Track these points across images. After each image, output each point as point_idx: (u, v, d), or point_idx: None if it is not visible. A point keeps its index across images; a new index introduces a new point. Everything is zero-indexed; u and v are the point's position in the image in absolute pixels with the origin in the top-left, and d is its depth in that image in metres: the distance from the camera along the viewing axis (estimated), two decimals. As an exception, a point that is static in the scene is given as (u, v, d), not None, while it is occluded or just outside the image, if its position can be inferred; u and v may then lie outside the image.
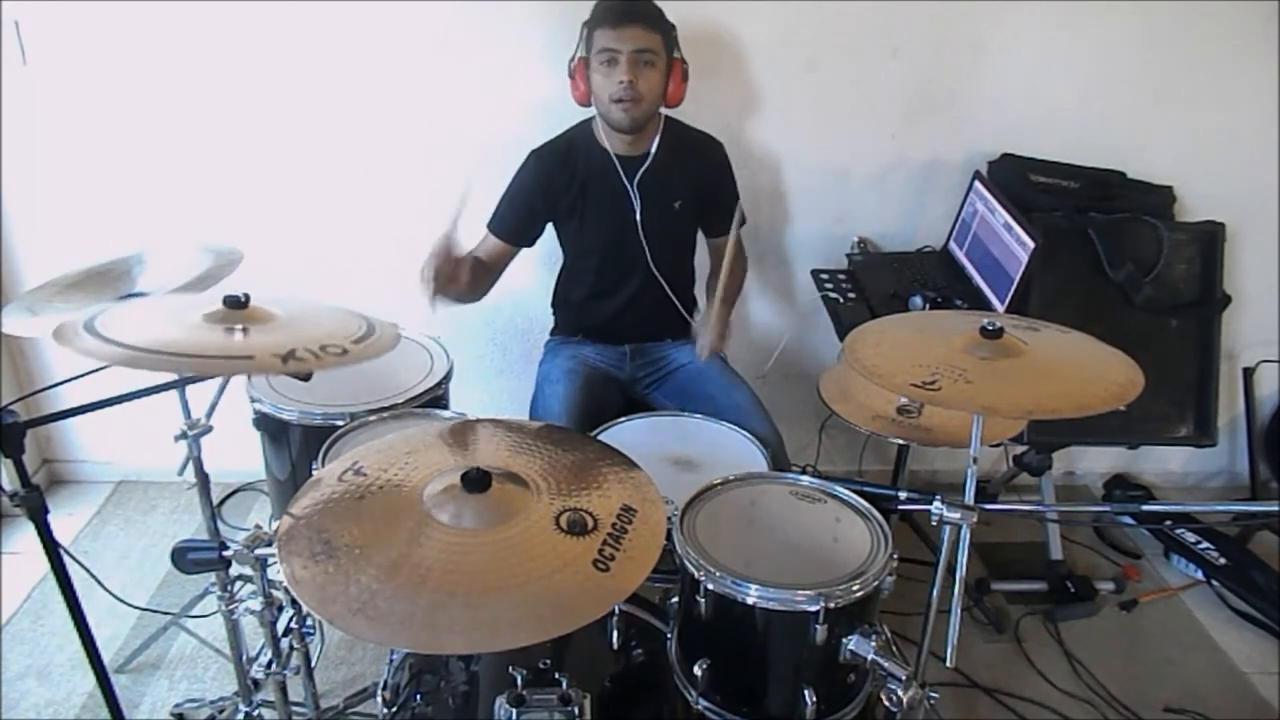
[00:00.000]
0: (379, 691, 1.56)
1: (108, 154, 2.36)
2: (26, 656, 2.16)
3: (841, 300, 2.26)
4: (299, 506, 1.18)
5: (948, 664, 1.40)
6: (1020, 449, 2.35)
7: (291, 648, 1.53)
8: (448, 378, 2.00)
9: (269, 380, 1.94)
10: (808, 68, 2.34)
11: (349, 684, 2.07)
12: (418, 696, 1.56)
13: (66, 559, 1.54)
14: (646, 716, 1.57)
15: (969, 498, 1.36)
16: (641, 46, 1.87)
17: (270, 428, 1.94)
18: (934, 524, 1.37)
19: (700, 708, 1.41)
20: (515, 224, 2.09)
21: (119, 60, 2.26)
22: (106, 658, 1.82)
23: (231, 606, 1.61)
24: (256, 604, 1.44)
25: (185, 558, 1.36)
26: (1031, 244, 2.01)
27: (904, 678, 1.32)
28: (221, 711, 1.89)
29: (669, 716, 1.53)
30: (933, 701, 1.41)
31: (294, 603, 1.46)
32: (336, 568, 1.07)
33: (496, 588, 1.04)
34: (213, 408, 1.69)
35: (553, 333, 2.32)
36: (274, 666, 1.52)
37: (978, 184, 2.34)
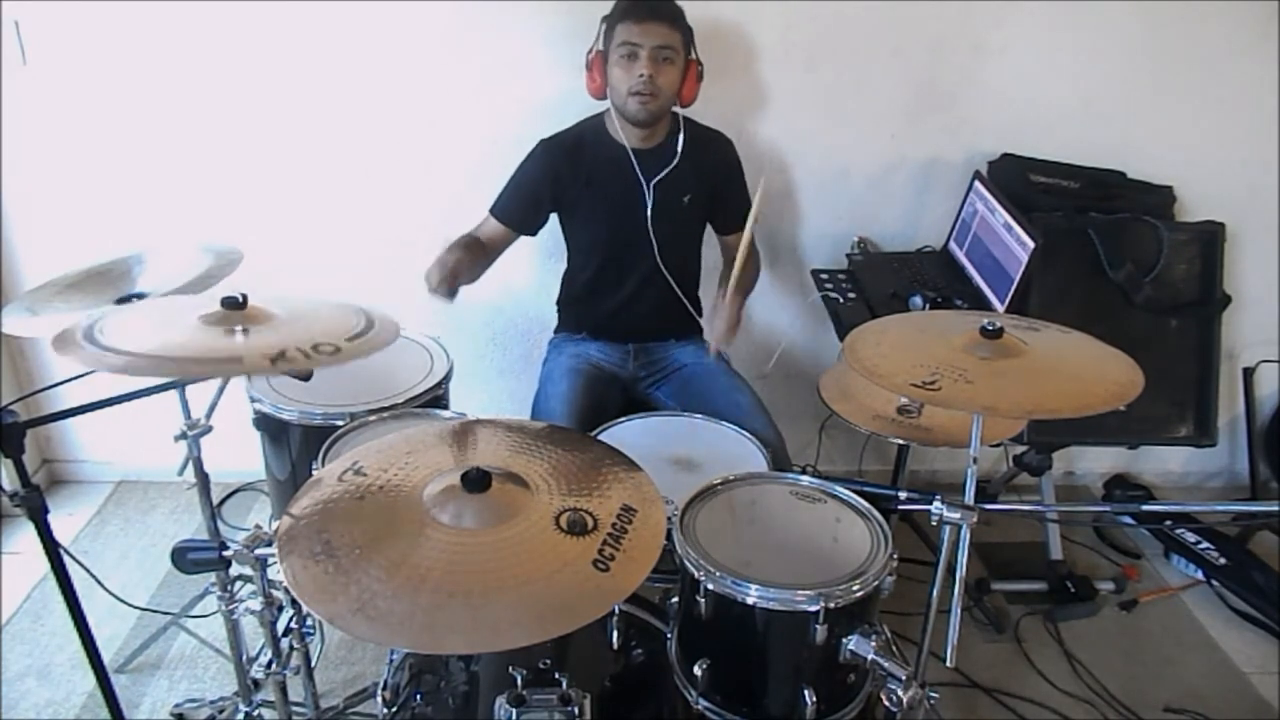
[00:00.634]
0: (379, 691, 1.56)
1: (108, 154, 2.36)
2: (26, 656, 2.16)
3: (841, 300, 2.26)
4: (299, 506, 1.18)
5: (948, 664, 1.40)
6: (1020, 449, 2.35)
7: (291, 648, 1.53)
8: (448, 378, 2.00)
9: (269, 380, 1.94)
10: (808, 68, 2.34)
11: (349, 684, 2.07)
12: (418, 696, 1.56)
13: (66, 559, 1.54)
14: (646, 716, 1.56)
15: (969, 498, 1.36)
16: (662, 43, 1.90)
17: (270, 428, 1.94)
18: (934, 524, 1.37)
19: (700, 708, 1.41)
20: (519, 212, 2.10)
21: (119, 60, 2.26)
22: (106, 658, 1.82)
23: (231, 606, 1.61)
24: (256, 604, 1.44)
25: (185, 558, 1.36)
26: (1031, 244, 2.01)
27: (904, 678, 1.32)
28: (221, 711, 1.89)
29: (669, 716, 1.53)
30: (933, 701, 1.41)
31: (294, 603, 1.46)
32: (336, 568, 1.07)
33: (496, 588, 1.04)
34: (212, 408, 1.69)
35: (557, 330, 2.32)
36: (274, 666, 1.52)
37: (978, 184, 2.34)
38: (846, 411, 1.76)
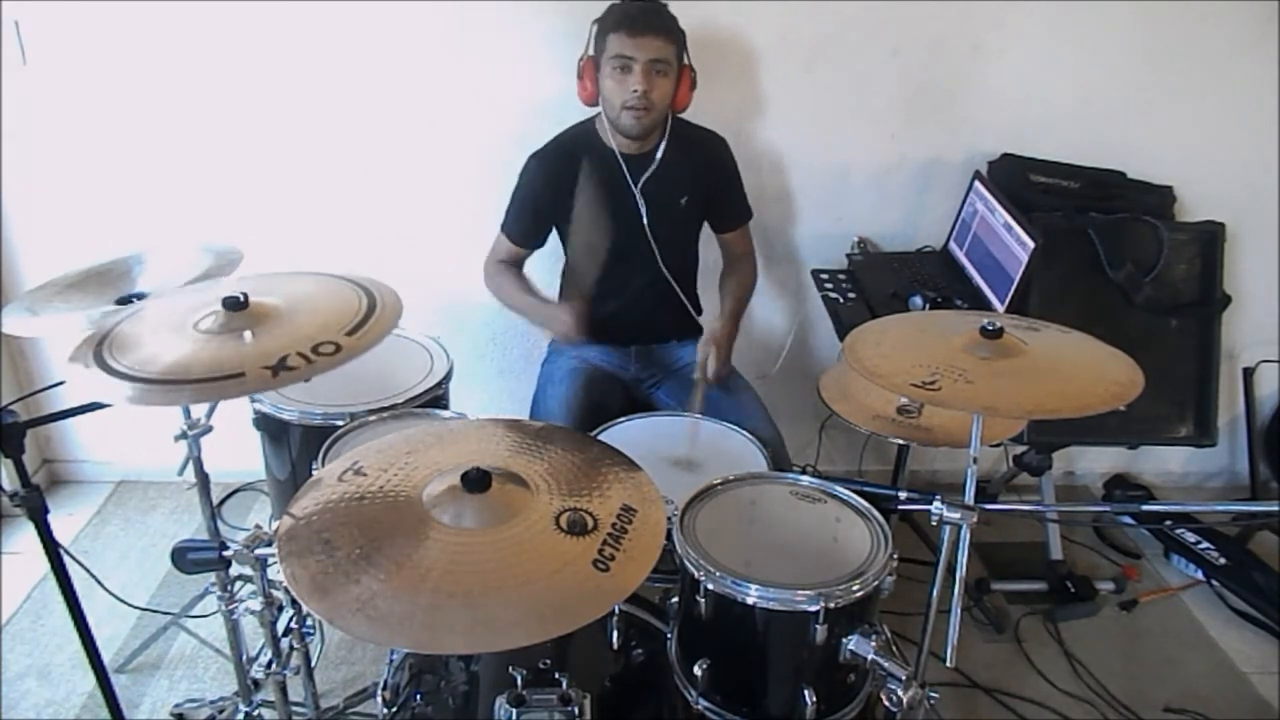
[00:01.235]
0: (379, 691, 1.56)
1: (108, 154, 2.36)
2: (26, 656, 2.16)
3: (841, 300, 2.26)
4: (299, 506, 1.18)
5: (948, 664, 1.40)
6: (1020, 449, 2.35)
7: (291, 648, 1.53)
8: (448, 378, 2.00)
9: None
10: (808, 68, 2.34)
11: (349, 684, 2.07)
12: (418, 696, 1.56)
13: (66, 559, 1.55)
14: (646, 716, 1.56)
15: (969, 498, 1.36)
16: (657, 56, 1.89)
17: (270, 428, 1.93)
18: (934, 524, 1.37)
19: (700, 708, 1.41)
20: (524, 228, 2.12)
21: (119, 60, 2.26)
22: (106, 658, 1.82)
23: (231, 606, 1.61)
24: (256, 604, 1.44)
25: (185, 558, 1.36)
26: (1031, 244, 2.01)
27: (904, 678, 1.32)
28: (221, 711, 1.89)
29: (669, 716, 1.53)
30: (933, 701, 1.41)
31: (294, 603, 1.46)
32: (336, 568, 1.07)
33: (496, 588, 1.04)
34: (213, 408, 1.69)
35: (556, 333, 2.32)
36: (274, 666, 1.52)
37: (978, 184, 2.34)
38: (846, 411, 1.76)
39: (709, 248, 2.28)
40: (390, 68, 2.29)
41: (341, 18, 2.22)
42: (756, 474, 1.60)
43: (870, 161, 2.47)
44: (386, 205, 2.43)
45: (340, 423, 1.81)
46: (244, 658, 1.73)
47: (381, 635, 1.00)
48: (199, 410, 1.69)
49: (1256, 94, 2.39)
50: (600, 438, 1.58)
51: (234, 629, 1.71)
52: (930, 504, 1.36)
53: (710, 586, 1.35)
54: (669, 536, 1.35)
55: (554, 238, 2.20)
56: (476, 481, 1.16)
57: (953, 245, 2.43)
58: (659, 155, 2.03)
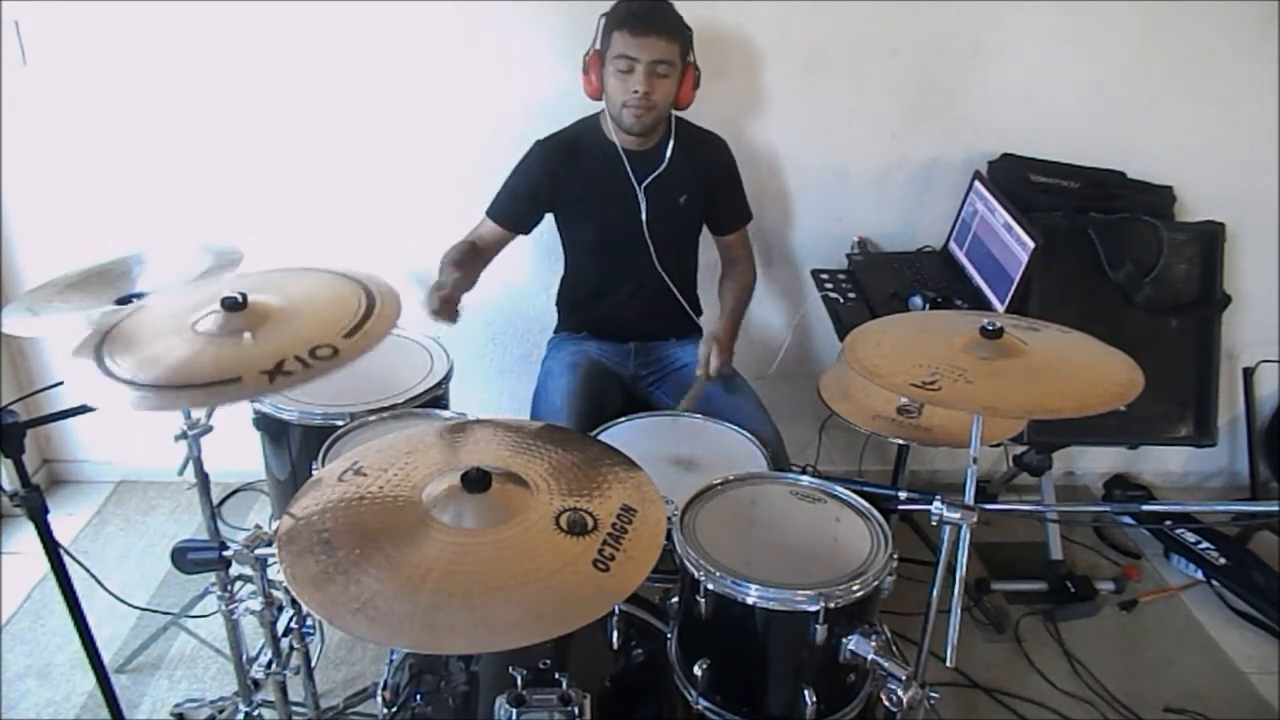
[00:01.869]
0: (379, 691, 1.56)
1: (108, 154, 2.36)
2: (26, 656, 2.16)
3: (841, 300, 2.26)
4: (299, 506, 1.18)
5: (948, 664, 1.40)
6: (1020, 449, 2.35)
7: (291, 648, 1.53)
8: (448, 378, 2.00)
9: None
10: (808, 68, 2.34)
11: (349, 684, 2.07)
12: (418, 696, 1.56)
13: (66, 559, 1.55)
14: (646, 716, 1.57)
15: (969, 498, 1.36)
16: (659, 57, 1.88)
17: (270, 428, 1.94)
18: (934, 524, 1.37)
19: (700, 708, 1.41)
20: (516, 213, 2.11)
21: (119, 60, 2.26)
22: (106, 658, 1.82)
23: (231, 606, 1.61)
24: (256, 604, 1.44)
25: (185, 558, 1.36)
26: (1031, 244, 2.01)
27: (904, 678, 1.32)
28: (221, 711, 1.89)
29: (669, 716, 1.53)
30: (933, 701, 1.41)
31: (294, 603, 1.46)
32: (336, 568, 1.07)
33: (496, 588, 1.04)
34: (213, 408, 1.69)
35: (556, 329, 2.32)
36: (274, 666, 1.52)
37: (978, 184, 2.34)
38: (846, 411, 1.76)
39: (710, 250, 2.28)
40: (390, 67, 2.29)
41: (341, 17, 2.22)
42: (756, 474, 1.60)
43: (870, 161, 2.47)
44: (386, 205, 2.43)
45: (340, 423, 1.81)
46: (244, 658, 1.73)
47: (381, 635, 1.00)
48: (199, 410, 1.69)
49: (1256, 94, 2.39)
50: (600, 437, 1.58)
51: (234, 629, 1.71)
52: (930, 504, 1.36)
53: (710, 586, 1.35)
54: (669, 536, 1.35)
55: (555, 236, 2.20)
56: (476, 481, 1.16)
57: (953, 245, 2.43)
58: (667, 154, 2.04)
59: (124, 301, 1.64)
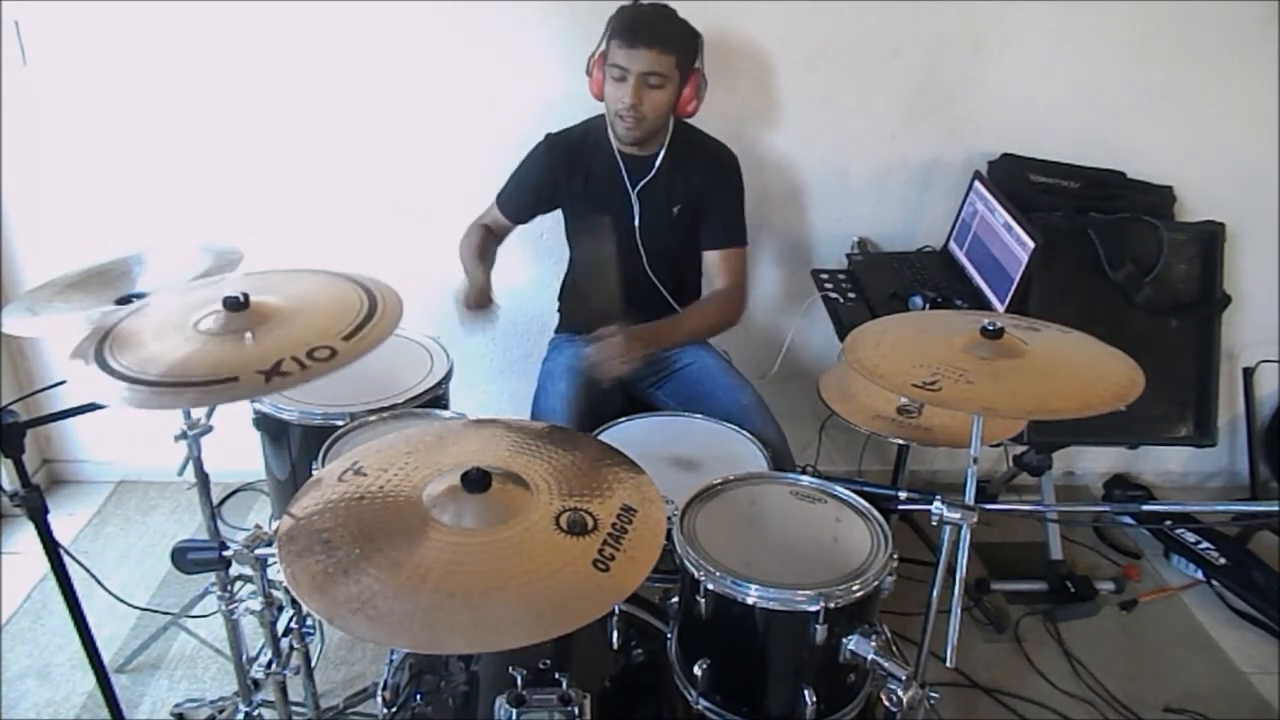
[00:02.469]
0: (379, 691, 1.56)
1: (108, 154, 2.36)
2: (26, 656, 2.16)
3: (841, 300, 2.26)
4: (299, 506, 1.18)
5: (948, 664, 1.40)
6: (1020, 449, 2.35)
7: (291, 648, 1.53)
8: (448, 378, 2.00)
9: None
10: (808, 68, 2.34)
11: (349, 684, 2.07)
12: (418, 696, 1.56)
13: (66, 559, 1.55)
14: (646, 716, 1.57)
15: (969, 498, 1.36)
16: (649, 69, 1.87)
17: (270, 428, 1.94)
18: (934, 524, 1.37)
19: (700, 708, 1.41)
20: (519, 203, 2.12)
21: (119, 60, 2.26)
22: (106, 658, 1.82)
23: (231, 606, 1.61)
24: (256, 604, 1.44)
25: (185, 558, 1.36)
26: (1031, 244, 2.01)
27: (904, 678, 1.32)
28: (221, 711, 1.89)
29: (669, 716, 1.53)
30: (933, 701, 1.41)
31: (294, 603, 1.46)
32: (336, 568, 1.07)
33: (496, 588, 1.04)
34: (213, 408, 1.69)
35: (557, 330, 2.32)
36: (274, 666, 1.52)
37: (978, 184, 2.34)
38: (846, 411, 1.76)
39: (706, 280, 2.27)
40: (391, 67, 2.29)
41: (341, 17, 2.22)
42: (756, 474, 1.60)
43: (870, 161, 2.47)
44: (386, 205, 2.43)
45: (340, 423, 1.81)
46: (244, 658, 1.73)
47: (381, 635, 1.00)
48: (199, 410, 1.69)
49: (1256, 94, 2.39)
50: (600, 438, 1.58)
51: (234, 629, 1.71)
52: (930, 504, 1.36)
53: (710, 586, 1.35)
54: (669, 536, 1.35)
55: (556, 236, 2.20)
56: (476, 481, 1.16)
57: (953, 245, 2.43)
58: (656, 163, 2.04)
59: (124, 301, 1.64)
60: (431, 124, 2.35)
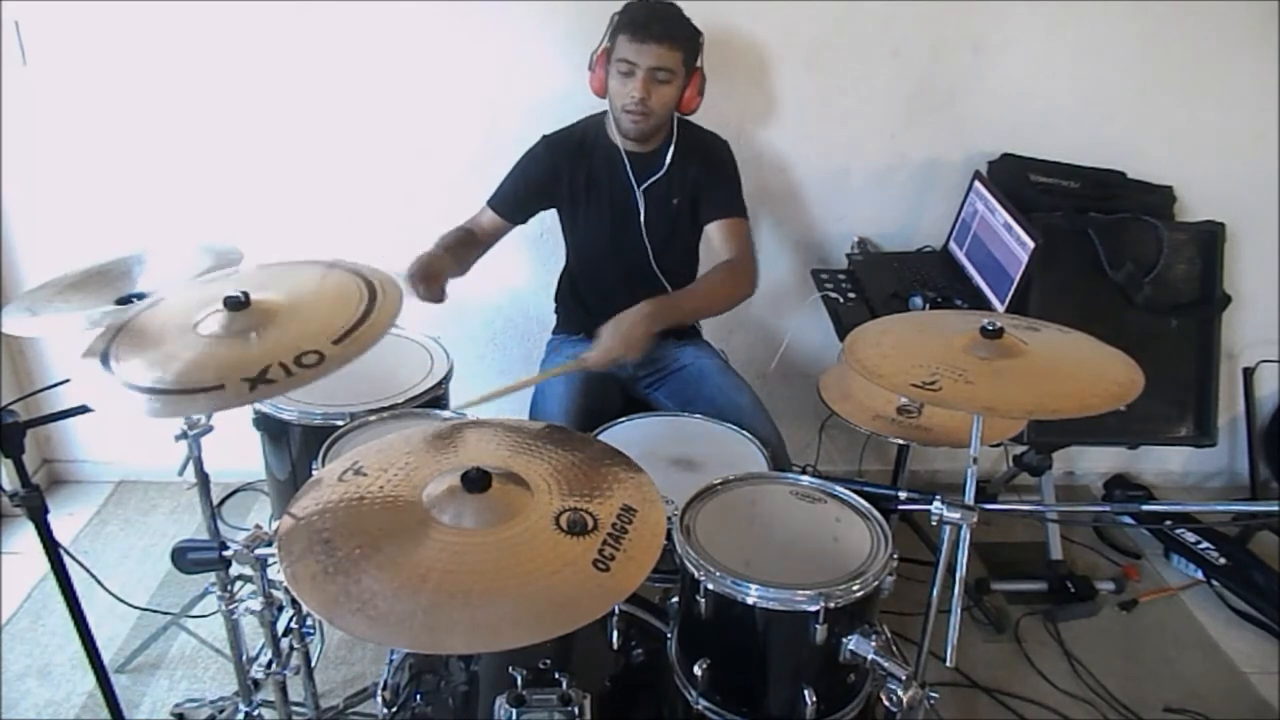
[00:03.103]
0: (379, 691, 1.56)
1: (108, 154, 2.36)
2: (26, 656, 2.16)
3: (841, 300, 2.26)
4: (299, 506, 1.18)
5: (948, 664, 1.40)
6: (1020, 449, 2.35)
7: (291, 648, 1.53)
8: (448, 378, 2.00)
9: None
10: (808, 68, 2.34)
11: (349, 684, 2.07)
12: (418, 696, 1.56)
13: (66, 559, 1.55)
14: (646, 716, 1.56)
15: (969, 498, 1.36)
16: (659, 64, 1.87)
17: (270, 428, 1.93)
18: (934, 524, 1.36)
19: (700, 708, 1.41)
20: (516, 204, 2.11)
21: (119, 60, 2.26)
22: (106, 658, 1.82)
23: (231, 606, 1.61)
24: (256, 604, 1.44)
25: (185, 558, 1.36)
26: (1031, 244, 2.01)
27: (904, 678, 1.32)
28: (221, 711, 1.89)
29: (669, 716, 1.53)
30: (933, 701, 1.41)
31: (294, 603, 1.46)
32: (336, 567, 1.07)
33: (496, 588, 1.04)
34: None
35: (555, 331, 2.32)
36: (274, 666, 1.52)
37: (978, 184, 2.34)
38: (846, 411, 1.76)
39: (711, 254, 2.27)
40: (389, 66, 2.29)
41: (341, 16, 2.22)
42: (756, 474, 1.60)
43: (870, 161, 2.47)
44: (386, 205, 2.43)
45: (340, 423, 1.81)
46: (244, 658, 1.73)
47: (381, 635, 1.00)
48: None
49: (1256, 94, 2.39)
50: (600, 438, 1.58)
51: (234, 629, 1.71)
52: (930, 504, 1.36)
53: (710, 586, 1.35)
54: (669, 536, 1.35)
55: (556, 237, 2.20)
56: (476, 482, 1.16)
57: (953, 245, 2.43)
58: (667, 160, 2.03)
59: (124, 301, 1.64)
60: (431, 123, 2.35)
